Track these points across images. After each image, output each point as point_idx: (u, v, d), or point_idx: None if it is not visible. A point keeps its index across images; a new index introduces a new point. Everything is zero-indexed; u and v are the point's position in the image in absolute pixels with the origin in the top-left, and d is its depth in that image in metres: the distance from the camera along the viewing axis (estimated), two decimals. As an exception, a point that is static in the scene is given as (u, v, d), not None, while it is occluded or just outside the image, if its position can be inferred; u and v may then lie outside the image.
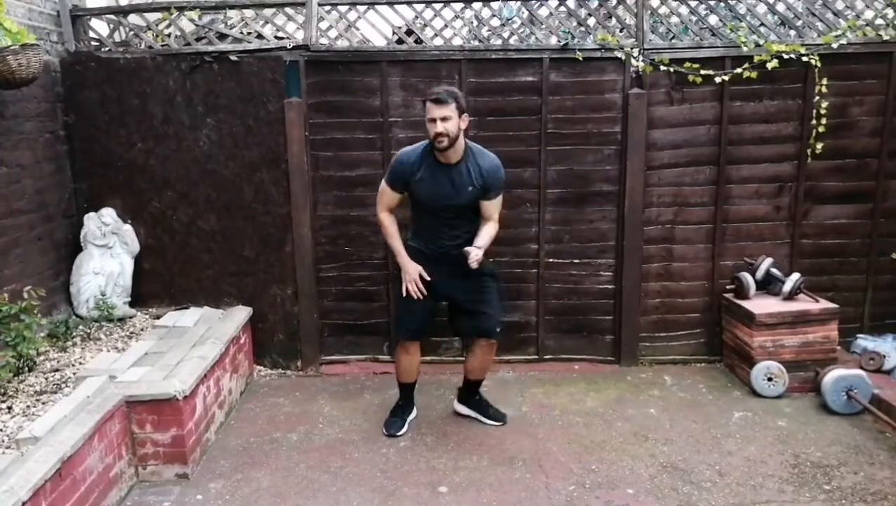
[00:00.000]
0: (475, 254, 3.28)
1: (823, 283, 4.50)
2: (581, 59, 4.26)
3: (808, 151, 4.33)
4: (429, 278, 3.48)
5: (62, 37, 4.31)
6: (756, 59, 4.21)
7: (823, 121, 4.27)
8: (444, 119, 3.24)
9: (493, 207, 3.50)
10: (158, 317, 4.35)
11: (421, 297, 3.47)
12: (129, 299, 4.40)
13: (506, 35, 4.47)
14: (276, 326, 4.57)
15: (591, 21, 4.45)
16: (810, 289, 4.30)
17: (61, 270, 4.26)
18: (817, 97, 4.25)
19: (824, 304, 4.17)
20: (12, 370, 3.33)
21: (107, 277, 4.28)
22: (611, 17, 4.43)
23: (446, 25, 4.43)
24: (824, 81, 4.23)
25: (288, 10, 4.40)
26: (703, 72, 4.24)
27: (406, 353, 3.70)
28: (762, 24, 4.46)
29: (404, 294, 3.51)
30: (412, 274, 3.48)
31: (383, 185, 3.54)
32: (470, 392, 3.90)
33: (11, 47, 3.30)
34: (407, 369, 3.75)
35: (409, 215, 3.70)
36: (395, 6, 4.42)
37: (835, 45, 4.20)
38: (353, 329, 4.65)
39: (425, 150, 3.43)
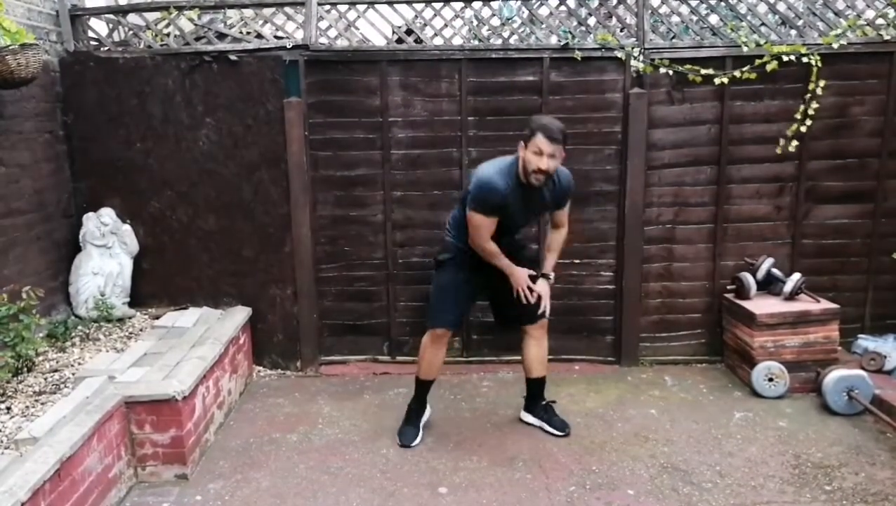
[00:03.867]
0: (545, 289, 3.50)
1: (824, 283, 4.49)
2: (581, 58, 4.25)
3: (778, 150, 4.31)
4: (533, 286, 3.49)
5: (61, 36, 4.30)
6: (757, 59, 4.20)
7: (808, 122, 4.25)
8: (551, 156, 3.15)
9: (564, 215, 3.57)
10: (157, 317, 4.35)
11: (534, 301, 3.47)
12: (128, 300, 4.40)
13: (506, 34, 4.46)
14: (275, 327, 4.57)
15: (592, 21, 4.45)
16: (811, 289, 4.30)
17: (60, 270, 4.26)
18: (808, 95, 4.24)
19: (825, 304, 4.16)
20: (11, 371, 3.32)
21: (106, 277, 4.27)
22: (611, 17, 4.42)
23: (446, 25, 4.42)
24: (820, 83, 4.21)
25: (287, 9, 4.39)
26: (703, 72, 4.24)
27: (436, 344, 3.57)
28: (763, 24, 4.46)
29: (523, 300, 3.46)
30: (523, 279, 3.44)
31: (479, 217, 3.28)
32: (535, 397, 3.76)
33: (10, 47, 3.29)
34: (432, 364, 3.61)
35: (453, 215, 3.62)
36: (395, 6, 4.41)
37: (835, 45, 4.19)
38: (352, 329, 4.64)
39: (512, 173, 3.28)
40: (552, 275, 3.59)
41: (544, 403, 3.79)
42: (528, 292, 3.46)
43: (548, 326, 3.67)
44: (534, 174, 3.20)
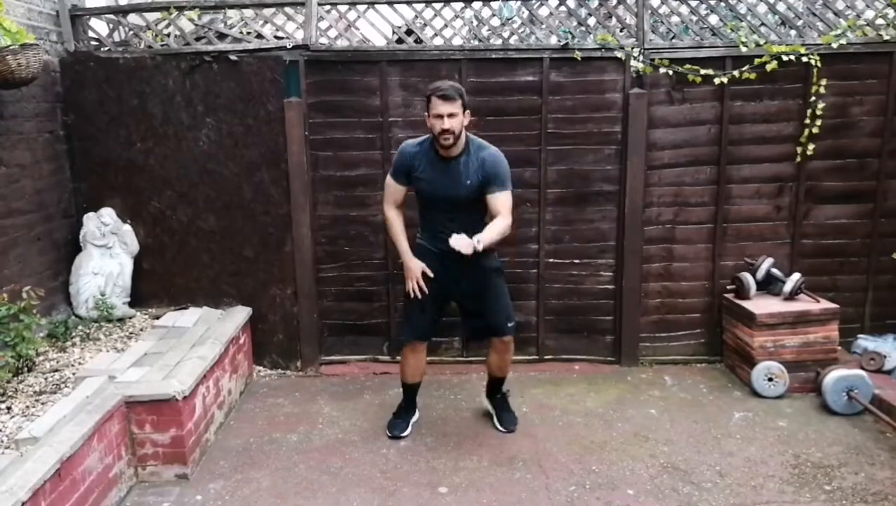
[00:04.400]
0: (462, 240, 3.05)
1: (824, 283, 4.49)
2: (581, 58, 4.25)
3: (799, 150, 4.32)
4: (431, 275, 3.44)
5: (61, 36, 4.30)
6: (756, 59, 4.20)
7: (818, 122, 4.26)
8: (450, 116, 3.18)
9: (498, 203, 3.31)
10: (158, 317, 4.35)
11: (420, 296, 3.43)
12: (128, 300, 4.40)
13: (506, 35, 4.47)
14: (275, 327, 4.57)
15: (592, 21, 4.45)
16: (811, 289, 4.30)
17: (60, 270, 4.26)
18: (813, 97, 4.24)
19: (825, 304, 4.16)
20: (11, 371, 3.32)
21: (106, 277, 4.28)
22: (611, 17, 4.43)
23: (446, 25, 4.42)
24: (823, 82, 4.22)
25: (287, 9, 4.39)
26: (703, 72, 4.24)
27: (413, 353, 3.64)
28: (763, 24, 4.46)
29: (410, 294, 3.47)
30: (414, 272, 3.45)
31: (388, 178, 3.51)
32: (493, 388, 3.85)
33: (11, 47, 3.30)
34: (413, 370, 3.70)
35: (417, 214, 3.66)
36: (395, 6, 4.41)
37: (835, 45, 4.19)
38: (352, 329, 4.65)
39: (427, 143, 3.39)
40: (478, 241, 3.14)
41: (499, 395, 3.85)
42: (416, 288, 3.43)
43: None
44: (441, 137, 3.22)
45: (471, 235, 3.22)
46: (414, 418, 3.83)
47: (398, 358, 4.60)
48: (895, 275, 4.53)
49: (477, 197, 3.36)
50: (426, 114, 3.29)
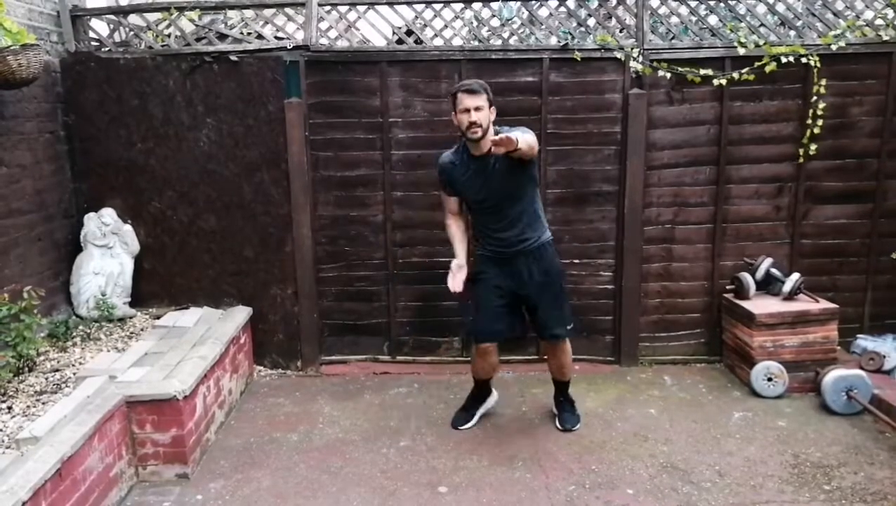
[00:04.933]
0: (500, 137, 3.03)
1: (823, 283, 4.50)
2: (581, 59, 4.26)
3: (801, 151, 4.32)
4: (464, 273, 3.49)
5: (62, 37, 4.31)
6: (756, 60, 4.21)
7: (819, 122, 4.27)
8: (477, 109, 3.25)
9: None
10: (158, 317, 4.36)
11: (458, 290, 3.45)
12: (129, 299, 4.40)
13: (506, 35, 4.47)
14: (276, 327, 4.58)
15: (591, 21, 4.46)
16: (810, 289, 4.30)
17: (61, 270, 4.27)
18: (815, 97, 4.25)
19: (824, 304, 4.17)
20: (12, 370, 3.33)
21: (107, 277, 4.28)
22: (611, 18, 4.43)
23: (446, 26, 4.43)
24: (823, 82, 4.23)
25: (288, 10, 4.40)
26: (702, 72, 4.25)
27: (481, 356, 3.68)
28: (762, 25, 4.47)
29: (450, 288, 3.48)
30: (453, 268, 3.50)
31: (441, 195, 3.65)
32: (557, 390, 3.90)
33: (11, 47, 3.30)
34: (484, 370, 3.75)
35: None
36: (395, 6, 4.42)
37: (834, 46, 4.20)
38: (353, 329, 4.65)
39: (460, 148, 3.48)
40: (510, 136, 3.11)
41: (561, 398, 3.89)
42: (450, 283, 3.46)
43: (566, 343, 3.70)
44: (469, 131, 3.29)
45: (523, 229, 3.45)
46: (490, 404, 3.91)
47: (398, 358, 4.67)
48: (894, 275, 4.54)
49: (517, 182, 3.39)
50: (453, 112, 3.37)
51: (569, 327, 3.66)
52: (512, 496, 3.14)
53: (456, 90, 3.35)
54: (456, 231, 3.62)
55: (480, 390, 3.88)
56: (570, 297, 4.56)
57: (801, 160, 4.35)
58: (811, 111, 4.27)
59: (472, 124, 3.27)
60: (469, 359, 4.60)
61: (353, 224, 4.51)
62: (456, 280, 3.47)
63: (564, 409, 3.85)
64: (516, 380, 4.42)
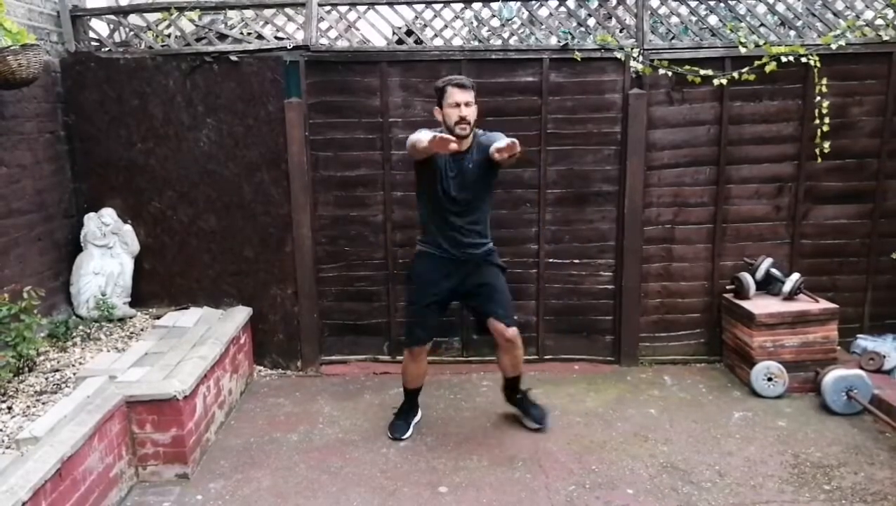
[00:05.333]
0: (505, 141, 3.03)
1: (823, 283, 4.50)
2: (581, 59, 4.26)
3: (817, 151, 4.31)
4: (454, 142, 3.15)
5: (62, 37, 4.31)
6: (756, 59, 4.21)
7: (827, 120, 4.26)
8: (467, 104, 3.24)
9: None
10: (158, 317, 4.36)
11: (456, 147, 3.14)
12: (129, 299, 4.41)
13: (506, 35, 4.47)
14: (276, 327, 4.58)
15: (591, 21, 4.46)
16: (810, 289, 4.31)
17: (61, 270, 4.27)
18: (819, 97, 4.25)
19: (824, 304, 4.17)
20: (12, 370, 3.33)
21: (107, 277, 4.28)
22: (611, 18, 4.43)
23: (446, 26, 4.43)
24: (824, 82, 4.23)
25: (288, 10, 4.40)
26: (702, 72, 4.25)
27: (413, 360, 3.65)
28: (762, 25, 4.47)
29: (452, 147, 3.13)
30: (447, 136, 3.16)
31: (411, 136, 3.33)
32: (511, 390, 3.82)
33: (11, 47, 3.30)
34: (414, 376, 3.71)
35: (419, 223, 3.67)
36: (395, 6, 4.42)
37: (834, 46, 4.20)
38: (353, 329, 4.65)
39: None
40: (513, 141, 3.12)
41: (520, 396, 3.82)
42: (449, 141, 3.11)
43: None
44: (458, 126, 3.26)
45: (478, 235, 3.44)
46: (416, 419, 3.83)
47: (398, 358, 4.64)
48: (894, 275, 4.54)
49: (485, 185, 3.41)
50: (438, 107, 3.33)
51: (514, 318, 3.63)
52: (512, 496, 3.14)
53: (445, 84, 3.31)
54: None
55: (412, 404, 3.80)
56: (571, 297, 4.59)
57: (819, 160, 4.33)
58: (817, 110, 4.27)
59: (462, 119, 3.25)
60: (468, 359, 4.63)
61: (353, 224, 4.51)
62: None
63: (528, 406, 3.79)
64: (516, 380, 4.41)
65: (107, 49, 4.41)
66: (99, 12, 4.51)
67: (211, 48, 4.30)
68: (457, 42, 4.50)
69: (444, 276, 3.49)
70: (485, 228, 3.53)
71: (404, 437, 3.69)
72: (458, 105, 3.25)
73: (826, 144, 4.29)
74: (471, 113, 3.27)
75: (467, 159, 3.35)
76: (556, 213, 4.47)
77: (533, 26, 4.51)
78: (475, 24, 4.53)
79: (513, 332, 3.54)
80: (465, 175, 3.36)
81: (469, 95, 3.27)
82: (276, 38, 4.47)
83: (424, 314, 3.55)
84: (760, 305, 4.19)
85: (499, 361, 3.73)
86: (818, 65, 4.20)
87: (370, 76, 4.32)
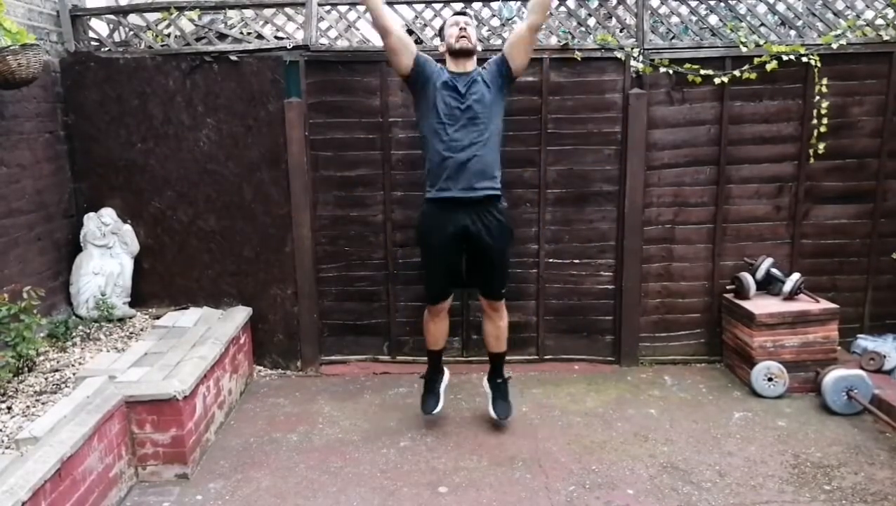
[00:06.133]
0: None
1: (824, 283, 4.50)
2: (581, 59, 4.26)
3: (811, 151, 4.32)
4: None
5: (62, 37, 4.31)
6: (756, 59, 4.21)
7: (825, 120, 4.27)
8: (467, 24, 3.41)
9: (510, 40, 3.51)
10: (158, 317, 4.35)
11: None
12: (128, 300, 4.40)
13: (506, 35, 4.46)
14: (275, 327, 4.57)
15: (591, 21, 4.46)
16: (810, 289, 4.30)
17: (61, 270, 4.26)
18: (818, 97, 4.25)
19: (824, 304, 4.17)
20: (12, 370, 3.32)
21: (106, 277, 4.28)
22: (611, 18, 4.43)
23: (446, 25, 4.43)
24: (824, 81, 4.23)
25: (288, 10, 4.40)
26: (703, 72, 4.24)
27: (433, 318, 3.68)
28: (762, 25, 4.47)
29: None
30: None
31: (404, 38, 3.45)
32: (494, 370, 3.81)
33: (11, 47, 3.30)
34: (435, 336, 3.73)
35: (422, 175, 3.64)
36: (395, 6, 4.41)
37: (835, 46, 4.20)
38: (353, 329, 4.65)
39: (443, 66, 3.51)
40: None
41: (500, 380, 3.81)
42: None
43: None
44: (458, 40, 3.40)
45: (487, 167, 3.42)
46: (444, 383, 3.85)
47: (398, 358, 4.66)
48: (895, 275, 4.53)
49: (495, 106, 3.46)
50: (440, 41, 3.53)
51: (503, 291, 3.66)
52: (512, 496, 3.14)
53: (444, 22, 3.57)
54: (390, 16, 3.43)
55: (437, 366, 3.84)
56: (571, 297, 4.59)
57: (812, 160, 4.34)
58: (815, 110, 4.27)
59: (462, 31, 3.38)
60: (468, 359, 4.62)
61: (353, 224, 4.51)
62: None
63: (499, 392, 3.77)
64: (516, 380, 4.39)
65: (106, 49, 4.40)
66: (99, 12, 4.51)
67: (211, 48, 4.29)
68: (457, 42, 4.49)
69: (450, 222, 3.44)
70: (493, 165, 3.45)
71: (436, 411, 3.73)
72: (457, 24, 3.41)
73: (821, 145, 4.29)
74: (470, 32, 3.40)
75: (473, 77, 3.43)
76: (556, 213, 4.47)
77: (533, 26, 4.50)
78: (475, 23, 4.52)
79: (500, 303, 3.65)
80: (473, 90, 3.40)
81: (467, 20, 3.44)
82: (276, 37, 4.46)
83: (435, 269, 3.56)
84: (761, 305, 4.18)
85: (483, 332, 3.80)
86: (818, 64, 4.20)
87: (370, 76, 4.32)
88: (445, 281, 3.61)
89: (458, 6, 4.45)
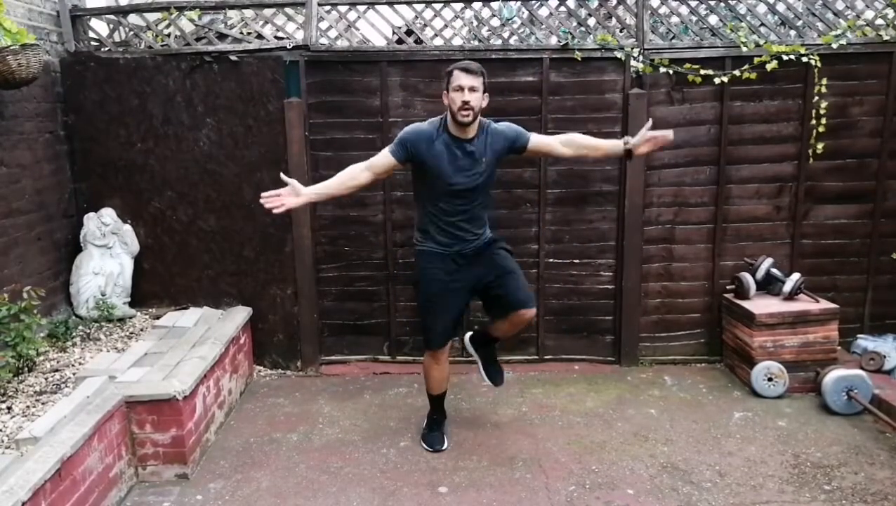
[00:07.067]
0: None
1: (824, 283, 4.50)
2: (581, 59, 4.26)
3: (809, 151, 4.33)
4: (297, 192, 3.16)
5: (62, 37, 4.31)
6: (756, 59, 4.21)
7: (823, 121, 4.27)
8: (472, 89, 3.11)
9: (543, 140, 3.40)
10: (158, 317, 4.35)
11: (279, 205, 3.10)
12: (128, 300, 4.40)
13: (506, 35, 4.47)
14: (275, 327, 4.57)
15: (591, 21, 4.46)
16: (810, 289, 4.30)
17: (61, 270, 4.26)
18: (817, 97, 4.25)
19: (824, 304, 4.17)
20: (12, 370, 3.33)
21: (106, 277, 4.28)
22: (611, 18, 4.43)
23: (446, 25, 4.43)
24: (824, 81, 4.23)
25: (288, 10, 4.40)
26: (703, 72, 4.24)
27: (437, 363, 3.50)
28: (762, 24, 4.47)
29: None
30: (286, 192, 3.12)
31: (383, 151, 3.24)
32: (486, 341, 3.72)
33: (11, 47, 3.30)
34: (437, 380, 3.56)
35: (416, 217, 3.53)
36: (395, 6, 4.42)
37: (835, 46, 4.20)
38: (353, 329, 4.65)
39: (440, 125, 3.23)
40: (628, 140, 3.35)
41: (490, 349, 3.75)
42: (272, 198, 3.11)
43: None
44: (460, 112, 3.12)
45: (482, 225, 3.35)
46: (446, 425, 3.74)
47: (398, 358, 4.66)
48: (895, 275, 4.53)
49: (490, 178, 3.32)
50: (444, 91, 3.21)
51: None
52: (512, 496, 3.14)
53: (453, 67, 3.20)
54: (348, 176, 3.24)
55: (440, 411, 3.70)
56: (571, 297, 4.59)
57: (811, 160, 4.34)
58: (814, 111, 4.27)
59: (465, 105, 3.09)
60: (468, 359, 4.60)
61: (353, 224, 4.51)
62: (281, 197, 3.08)
63: (492, 359, 3.73)
64: (516, 380, 4.41)
65: (106, 49, 4.40)
66: (99, 12, 4.51)
67: (211, 48, 4.29)
68: (457, 42, 4.50)
69: (451, 272, 3.34)
70: (487, 217, 3.42)
71: (444, 448, 3.56)
72: (461, 89, 3.10)
73: (820, 145, 4.29)
74: (475, 99, 3.12)
75: (475, 147, 3.22)
76: (556, 213, 4.47)
77: (533, 26, 4.51)
78: (475, 23, 4.53)
79: (533, 310, 3.46)
80: (476, 162, 3.23)
81: (475, 81, 3.13)
82: (276, 37, 4.46)
83: (436, 313, 3.40)
84: (761, 305, 4.18)
85: (496, 326, 3.59)
86: (818, 64, 4.20)
87: (370, 76, 4.32)
88: (450, 324, 3.46)
89: (458, 6, 4.46)
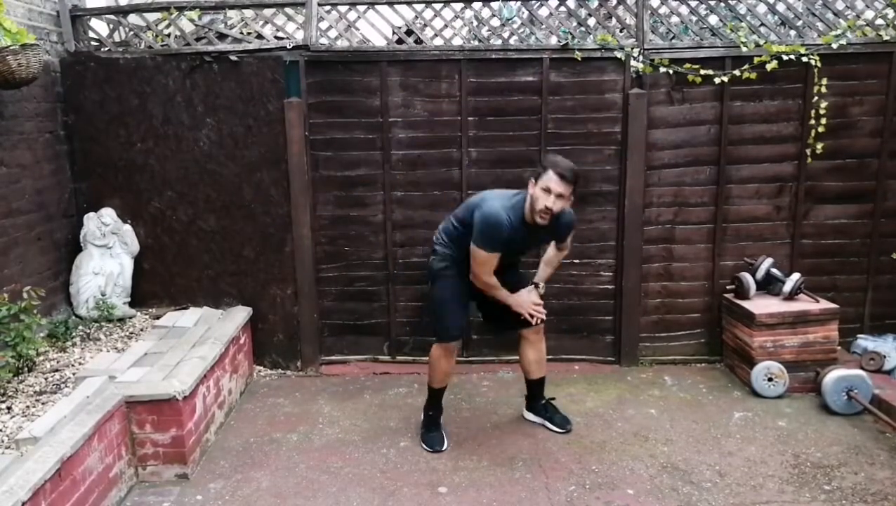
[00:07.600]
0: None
1: (824, 283, 4.50)
2: (581, 59, 4.25)
3: (808, 151, 4.33)
4: (539, 297, 3.55)
5: (62, 37, 4.31)
6: (756, 59, 4.21)
7: (823, 121, 4.27)
8: (560, 196, 3.13)
9: (567, 241, 3.62)
10: (158, 317, 4.35)
11: (543, 318, 3.49)
12: (128, 299, 4.40)
13: (506, 35, 4.47)
14: (275, 327, 4.57)
15: (591, 21, 4.46)
16: (811, 289, 4.30)
17: (61, 270, 4.26)
18: (816, 97, 4.25)
19: (824, 304, 4.17)
20: (12, 370, 3.33)
21: (106, 277, 4.28)
22: (611, 17, 4.43)
23: (446, 25, 4.43)
24: (824, 81, 4.22)
25: (288, 10, 4.40)
26: (703, 72, 4.24)
27: (447, 356, 3.54)
28: (762, 24, 4.47)
29: (533, 322, 3.48)
30: (526, 303, 3.45)
31: (485, 254, 3.26)
32: (535, 396, 3.80)
33: (11, 47, 3.30)
34: (445, 373, 3.59)
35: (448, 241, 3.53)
36: (395, 6, 4.42)
37: (835, 46, 4.19)
38: (353, 329, 4.65)
39: (517, 209, 3.26)
40: (542, 285, 3.64)
41: (544, 401, 3.81)
42: (536, 311, 3.46)
43: (545, 327, 3.66)
44: (540, 214, 3.16)
45: (518, 275, 3.66)
46: (444, 425, 3.77)
47: (398, 358, 4.65)
48: (895, 275, 4.53)
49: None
50: (532, 180, 3.21)
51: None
52: (512, 496, 3.14)
53: (549, 165, 3.17)
54: (498, 283, 3.42)
55: (439, 407, 3.72)
56: (571, 297, 4.59)
57: (809, 160, 4.34)
58: (814, 110, 4.27)
59: (547, 210, 3.13)
60: (468, 359, 4.62)
61: (353, 224, 4.51)
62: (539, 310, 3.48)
63: (554, 412, 3.78)
64: (516, 380, 4.40)
65: (106, 49, 4.40)
66: (99, 12, 4.51)
67: (211, 48, 4.29)
68: (457, 42, 4.50)
69: (470, 286, 3.47)
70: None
71: (444, 448, 3.56)
72: (549, 192, 3.11)
73: (820, 145, 4.29)
74: (558, 206, 3.14)
75: (541, 228, 3.29)
76: (556, 213, 4.46)
77: (533, 26, 4.51)
78: (475, 23, 4.53)
79: (541, 325, 3.58)
80: (535, 239, 3.45)
81: (566, 189, 3.13)
82: (276, 37, 4.46)
83: (458, 310, 3.50)
84: (761, 305, 4.18)
85: (523, 361, 3.73)
86: (818, 64, 4.20)
87: (370, 76, 4.32)
88: (466, 319, 3.60)
89: (458, 7, 4.46)
